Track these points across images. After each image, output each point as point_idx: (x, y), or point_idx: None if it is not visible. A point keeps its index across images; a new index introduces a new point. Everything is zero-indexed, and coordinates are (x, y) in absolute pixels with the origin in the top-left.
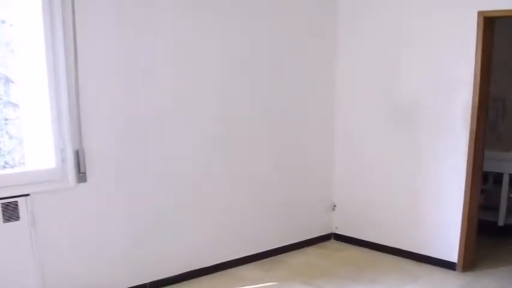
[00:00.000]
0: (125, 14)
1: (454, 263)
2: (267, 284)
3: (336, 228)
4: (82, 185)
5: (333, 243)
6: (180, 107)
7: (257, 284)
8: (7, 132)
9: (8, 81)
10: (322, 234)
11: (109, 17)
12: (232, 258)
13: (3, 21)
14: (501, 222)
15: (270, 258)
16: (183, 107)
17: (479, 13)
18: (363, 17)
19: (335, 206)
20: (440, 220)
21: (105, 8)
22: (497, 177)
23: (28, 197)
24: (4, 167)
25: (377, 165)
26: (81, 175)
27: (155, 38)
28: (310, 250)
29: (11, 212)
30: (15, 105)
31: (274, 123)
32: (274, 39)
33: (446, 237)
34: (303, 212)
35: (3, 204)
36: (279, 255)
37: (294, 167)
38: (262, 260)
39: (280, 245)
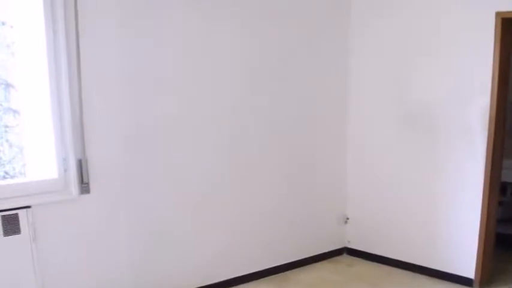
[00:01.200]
0: (129, 17)
1: (470, 279)
2: None
3: (349, 242)
4: (85, 196)
5: (345, 258)
6: (188, 115)
7: None
8: (7, 141)
9: (8, 86)
10: (334, 248)
11: (114, 20)
12: (241, 274)
13: (3, 23)
14: None
15: (280, 274)
16: (190, 115)
17: (497, 14)
18: (376, 20)
19: (347, 218)
20: (456, 234)
21: (109, 10)
22: None
23: (29, 209)
24: (4, 177)
25: (390, 175)
26: (84, 186)
27: (162, 43)
28: (321, 265)
29: (12, 225)
30: (15, 111)
31: (285, 132)
32: (284, 44)
33: (462, 251)
34: (314, 225)
35: (3, 216)
36: (289, 271)
37: (305, 178)
38: (271, 276)
39: (290, 260)
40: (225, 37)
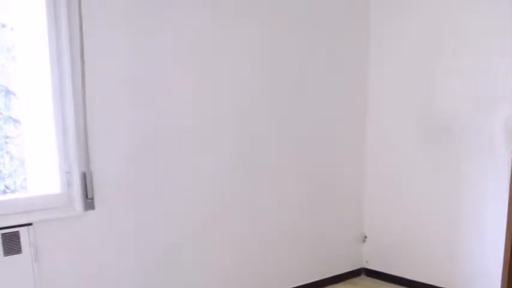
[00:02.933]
0: (136, 19)
1: None
2: None
3: (367, 262)
4: (89, 212)
5: (363, 280)
6: (198, 125)
7: None
8: (8, 152)
9: (8, 93)
10: (351, 269)
11: (120, 21)
12: None
13: (3, 25)
14: None
15: None
16: (201, 125)
17: None
18: (396, 23)
19: (365, 237)
20: (481, 254)
21: (115, 10)
22: None
23: (31, 226)
24: (4, 192)
25: (412, 192)
26: (89, 201)
27: (170, 49)
28: (338, 287)
29: (12, 244)
30: (16, 121)
31: (299, 145)
32: (301, 50)
33: (487, 273)
34: (330, 244)
35: (3, 234)
36: None
37: (320, 193)
38: None
39: (305, 282)
40: (239, 43)
